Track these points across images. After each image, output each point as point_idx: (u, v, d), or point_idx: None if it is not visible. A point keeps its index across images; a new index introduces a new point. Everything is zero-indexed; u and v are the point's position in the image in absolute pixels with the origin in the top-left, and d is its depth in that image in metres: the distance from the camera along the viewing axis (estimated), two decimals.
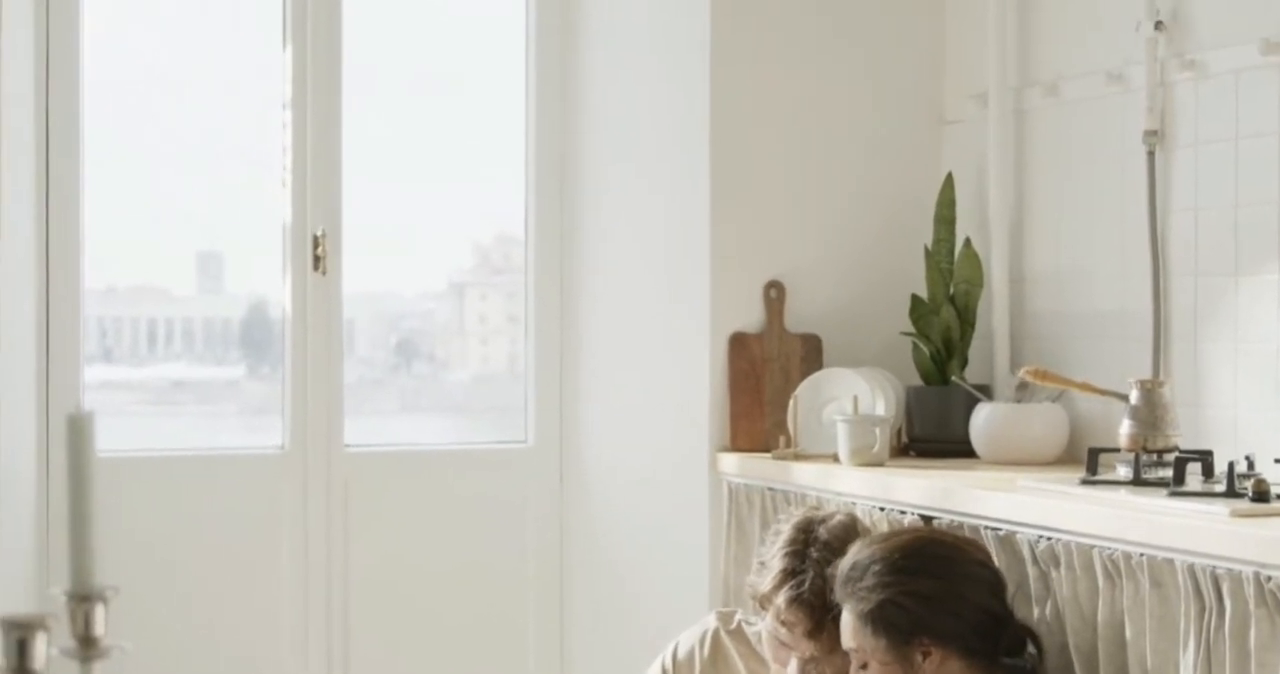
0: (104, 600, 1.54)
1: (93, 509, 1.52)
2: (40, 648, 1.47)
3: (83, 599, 1.53)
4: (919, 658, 3.07)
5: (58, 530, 4.32)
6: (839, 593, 3.14)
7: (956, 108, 4.50)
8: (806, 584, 3.25)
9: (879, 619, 3.07)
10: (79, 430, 1.53)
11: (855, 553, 3.15)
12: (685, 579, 4.42)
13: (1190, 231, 3.76)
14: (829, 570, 3.20)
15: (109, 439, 4.55)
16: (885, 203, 4.52)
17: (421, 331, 5.17)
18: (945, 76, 4.56)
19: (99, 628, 1.54)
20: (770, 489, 4.13)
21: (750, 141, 4.44)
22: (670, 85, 4.57)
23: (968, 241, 4.27)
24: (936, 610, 3.06)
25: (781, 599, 3.28)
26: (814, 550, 3.28)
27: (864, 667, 3.12)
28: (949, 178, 4.34)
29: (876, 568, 3.09)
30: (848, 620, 3.13)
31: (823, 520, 3.37)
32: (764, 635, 3.40)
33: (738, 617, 3.57)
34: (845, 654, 3.18)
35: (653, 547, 4.59)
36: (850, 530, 3.32)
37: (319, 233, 4.59)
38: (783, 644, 3.34)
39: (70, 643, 1.54)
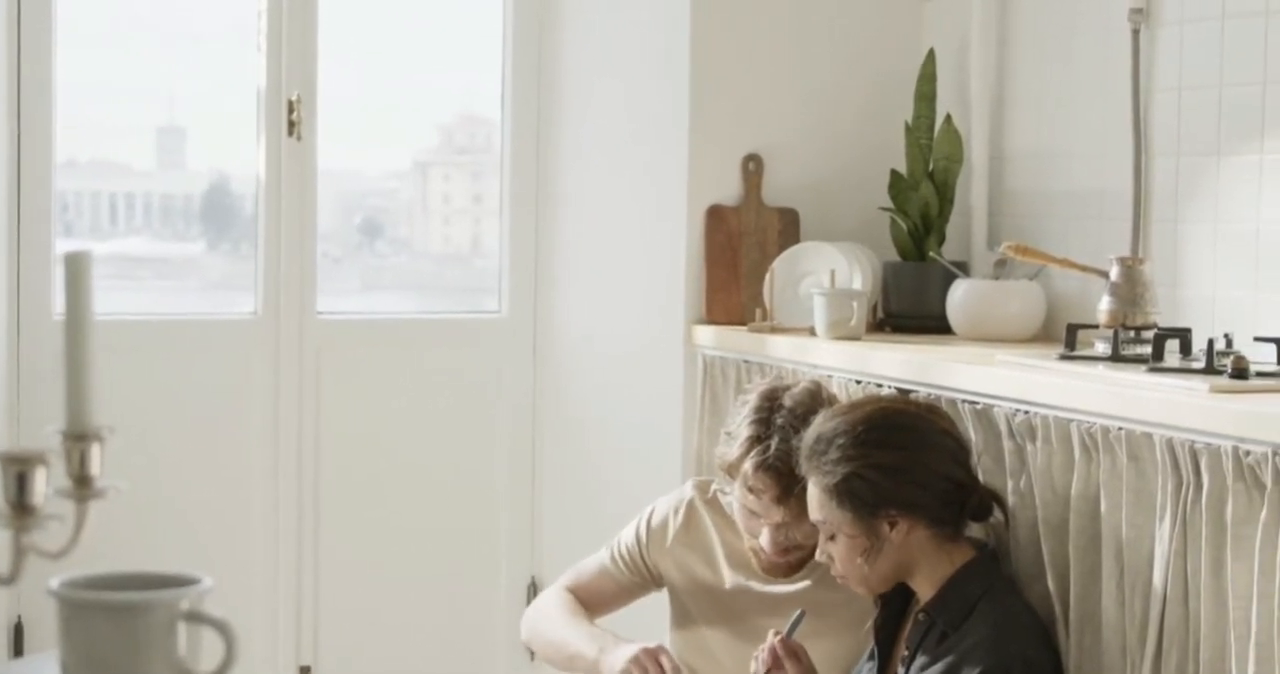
0: (100, 440, 1.53)
1: (90, 350, 1.51)
2: (40, 483, 1.47)
3: (79, 438, 1.52)
4: (886, 529, 3.08)
5: (29, 395, 4.31)
6: (804, 466, 3.15)
7: None
8: (772, 449, 3.25)
9: (845, 492, 3.08)
10: (76, 271, 1.51)
11: (819, 425, 3.15)
12: (658, 450, 4.43)
13: (1173, 111, 3.75)
14: (795, 437, 3.21)
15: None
16: (866, 77, 4.50)
17: (384, 210, 5.15)
18: None
19: (95, 467, 1.53)
20: (745, 362, 4.13)
21: (731, 13, 4.40)
22: None
23: (948, 118, 4.26)
24: (901, 482, 3.07)
25: (749, 466, 3.29)
26: (779, 417, 3.29)
27: (831, 538, 3.14)
28: (930, 53, 4.31)
29: (840, 441, 3.09)
30: (814, 494, 3.13)
31: (787, 388, 3.38)
32: (735, 506, 3.41)
33: (714, 486, 3.59)
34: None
35: (626, 418, 4.59)
36: (814, 397, 3.33)
37: (294, 97, 4.55)
38: (753, 513, 3.35)
39: (65, 483, 1.53)
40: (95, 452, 1.52)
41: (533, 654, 4.49)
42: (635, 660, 3.32)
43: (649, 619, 3.73)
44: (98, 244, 4.70)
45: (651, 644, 3.35)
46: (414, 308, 5.09)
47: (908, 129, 4.29)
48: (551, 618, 3.63)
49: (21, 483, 1.46)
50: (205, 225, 4.81)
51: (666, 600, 3.65)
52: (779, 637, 3.19)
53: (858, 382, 3.65)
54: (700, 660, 3.52)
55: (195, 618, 1.56)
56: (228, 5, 4.64)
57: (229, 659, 1.52)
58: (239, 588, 4.57)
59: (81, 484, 1.53)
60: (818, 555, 3.21)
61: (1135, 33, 3.80)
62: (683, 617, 3.60)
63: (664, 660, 3.31)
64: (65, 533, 1.59)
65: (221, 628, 1.54)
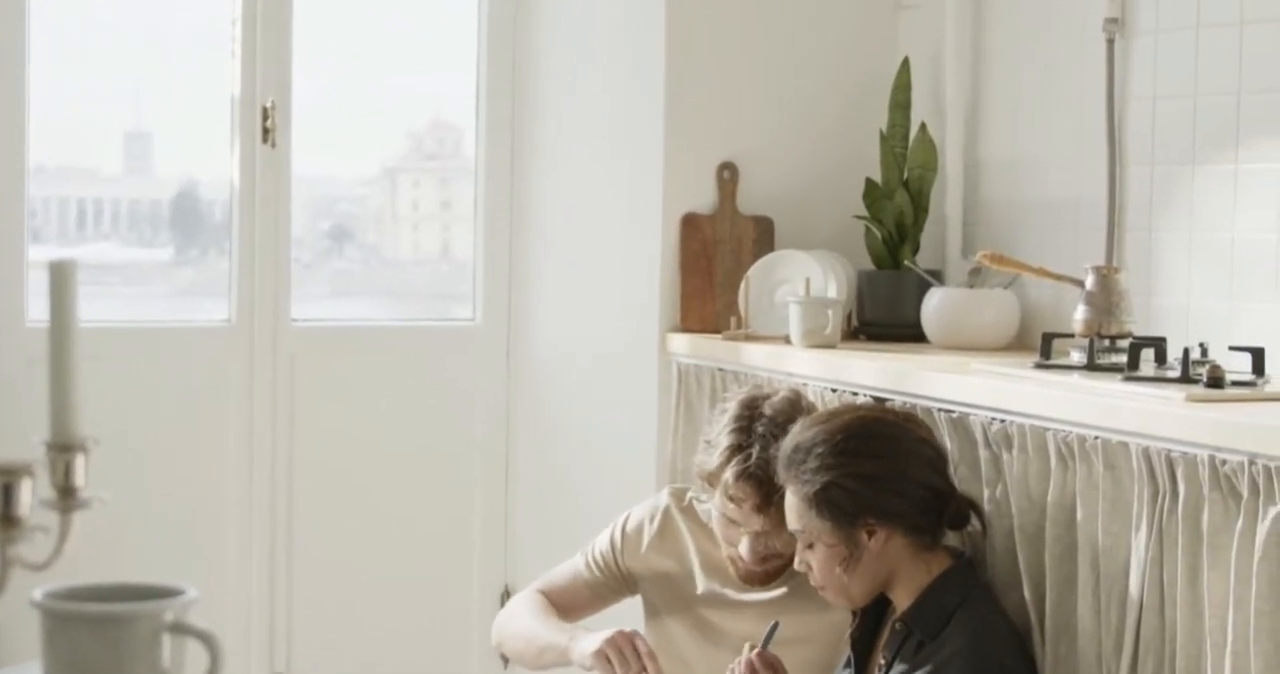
0: (85, 450, 1.52)
1: (75, 358, 1.50)
2: (26, 495, 1.46)
3: (63, 449, 1.51)
4: (864, 537, 3.08)
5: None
6: (782, 475, 3.15)
7: None
8: (753, 458, 3.26)
9: (824, 501, 3.08)
10: (61, 278, 1.50)
11: (797, 434, 3.15)
12: (632, 459, 4.42)
13: (1148, 120, 3.76)
14: (775, 446, 3.21)
15: (39, 313, 4.51)
16: (841, 86, 4.50)
17: (353, 216, 5.14)
18: None
19: (79, 478, 1.52)
20: (720, 370, 4.13)
21: (706, 21, 4.40)
22: None
23: (923, 126, 4.26)
24: (880, 491, 3.07)
25: (729, 474, 3.29)
26: (759, 426, 3.29)
27: (810, 547, 3.14)
28: (905, 62, 4.32)
29: (819, 450, 3.09)
30: (792, 502, 3.13)
31: (767, 397, 3.38)
32: (714, 515, 3.41)
33: (689, 494, 3.59)
34: None
35: (600, 426, 4.59)
36: (795, 406, 3.34)
37: (269, 103, 4.54)
38: (732, 522, 3.35)
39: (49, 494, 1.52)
40: (80, 463, 1.52)
41: (506, 661, 4.49)
42: (610, 642, 3.31)
43: (623, 624, 3.72)
44: (65, 250, 4.68)
45: (627, 629, 3.35)
46: (382, 314, 5.08)
47: (883, 137, 4.29)
48: (521, 617, 3.63)
49: (7, 494, 1.46)
50: (173, 232, 4.80)
51: (640, 606, 3.65)
52: (755, 650, 3.18)
53: (833, 390, 3.65)
54: (673, 666, 3.52)
55: (179, 629, 1.55)
56: (198, 12, 4.62)
57: (214, 671, 1.51)
58: (213, 596, 4.54)
59: (66, 495, 1.52)
60: (796, 564, 3.21)
61: (1110, 42, 3.81)
62: (656, 623, 3.60)
63: (639, 644, 3.31)
64: (48, 543, 1.58)
65: (206, 639, 1.53)
